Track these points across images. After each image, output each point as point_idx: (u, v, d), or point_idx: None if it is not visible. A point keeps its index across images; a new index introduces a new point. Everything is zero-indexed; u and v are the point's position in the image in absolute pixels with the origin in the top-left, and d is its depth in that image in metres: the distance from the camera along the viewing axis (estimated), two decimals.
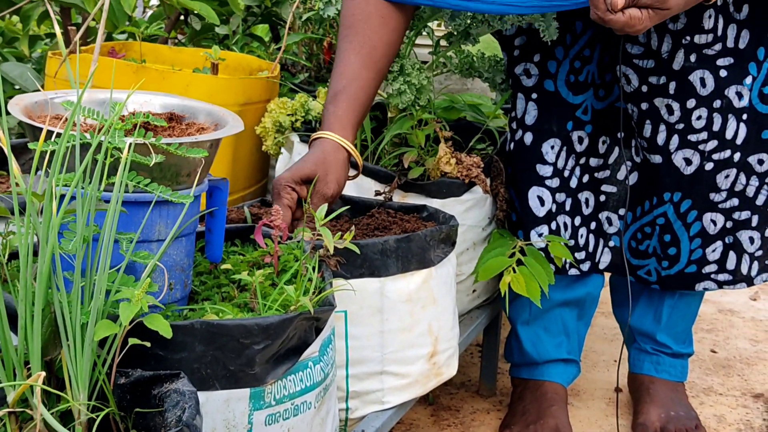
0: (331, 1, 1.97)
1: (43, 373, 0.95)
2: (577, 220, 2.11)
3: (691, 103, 1.94)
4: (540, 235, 2.07)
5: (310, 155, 1.69)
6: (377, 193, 1.91)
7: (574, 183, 2.09)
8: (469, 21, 1.95)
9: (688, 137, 1.97)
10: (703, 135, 1.96)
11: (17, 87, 2.35)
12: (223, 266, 1.41)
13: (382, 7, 1.81)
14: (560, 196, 2.08)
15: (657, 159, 2.01)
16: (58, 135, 1.13)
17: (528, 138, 2.07)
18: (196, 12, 2.54)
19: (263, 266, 1.42)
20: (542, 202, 2.07)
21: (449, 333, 1.74)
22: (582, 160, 2.10)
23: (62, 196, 1.06)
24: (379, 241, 1.58)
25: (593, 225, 2.13)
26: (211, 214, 1.41)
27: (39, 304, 1.02)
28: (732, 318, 3.13)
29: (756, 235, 2.05)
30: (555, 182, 2.08)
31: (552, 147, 2.07)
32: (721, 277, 2.08)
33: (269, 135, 2.05)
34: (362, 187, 1.94)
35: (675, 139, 1.98)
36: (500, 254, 2.02)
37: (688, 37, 1.91)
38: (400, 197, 1.93)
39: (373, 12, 1.81)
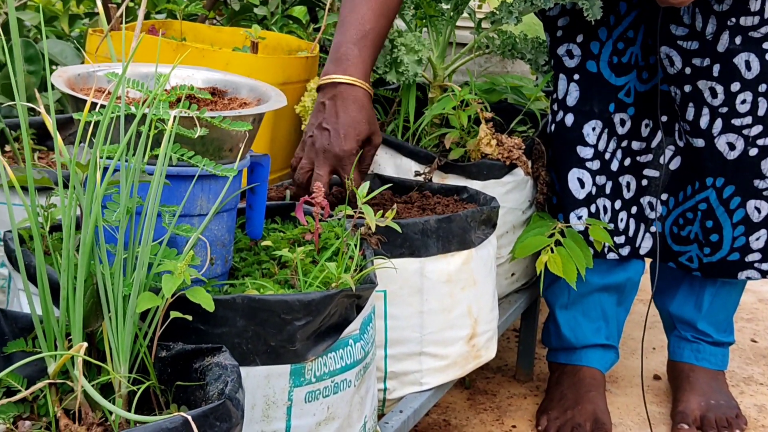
0: None
1: (85, 344, 0.94)
2: (618, 204, 2.09)
3: (735, 86, 1.91)
4: (579, 218, 2.05)
5: (359, 113, 1.69)
6: (417, 174, 1.90)
7: (615, 166, 2.07)
8: None
9: (732, 121, 1.94)
10: (748, 119, 1.93)
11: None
12: (264, 243, 1.40)
13: None
14: (600, 179, 2.06)
15: (700, 143, 1.98)
16: (102, 107, 1.12)
17: (569, 119, 2.05)
18: None
19: (304, 243, 1.41)
20: (582, 184, 2.05)
21: (489, 315, 1.73)
22: (624, 143, 2.07)
23: (106, 168, 1.06)
24: (420, 221, 1.57)
25: (634, 209, 2.10)
26: (252, 191, 1.40)
27: (81, 275, 1.01)
28: None
29: None
30: (596, 164, 2.05)
31: (593, 129, 2.04)
32: (765, 266, 2.05)
33: (308, 114, 2.04)
34: (402, 168, 1.93)
35: (718, 123, 1.95)
36: (539, 234, 2.00)
37: (733, 19, 1.88)
38: (440, 178, 1.91)
39: None
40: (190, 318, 1.08)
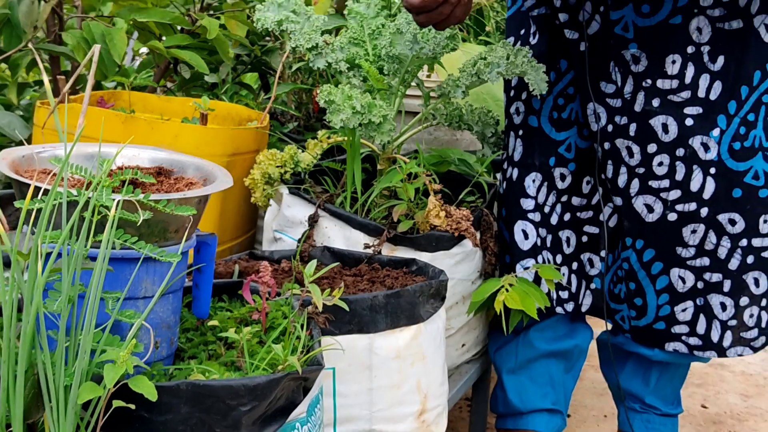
0: (321, 52, 1.96)
1: None
2: (559, 258, 2.09)
3: (652, 147, 1.91)
4: (526, 268, 2.06)
5: None
6: (366, 246, 1.90)
7: (554, 220, 2.08)
8: (440, 49, 1.94)
9: (649, 183, 1.93)
10: (665, 183, 1.92)
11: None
12: (210, 323, 1.39)
13: None
14: (542, 231, 2.07)
15: (618, 201, 1.99)
16: (45, 192, 1.12)
17: (515, 173, 2.09)
18: (185, 61, 2.54)
19: (251, 323, 1.40)
20: (526, 235, 2.07)
21: (438, 390, 1.72)
22: (564, 198, 2.08)
23: (48, 254, 1.05)
24: (368, 297, 1.56)
25: (575, 265, 2.11)
26: (198, 270, 1.39)
27: (22, 365, 1.00)
28: (722, 372, 3.12)
29: (729, 302, 1.96)
30: (537, 216, 2.07)
31: (533, 180, 2.07)
32: (692, 340, 2.00)
33: (258, 187, 2.04)
34: (351, 240, 1.93)
35: (635, 183, 1.95)
36: (492, 282, 2.00)
37: (649, 81, 1.89)
38: (389, 250, 1.92)
39: None
40: (133, 407, 1.06)
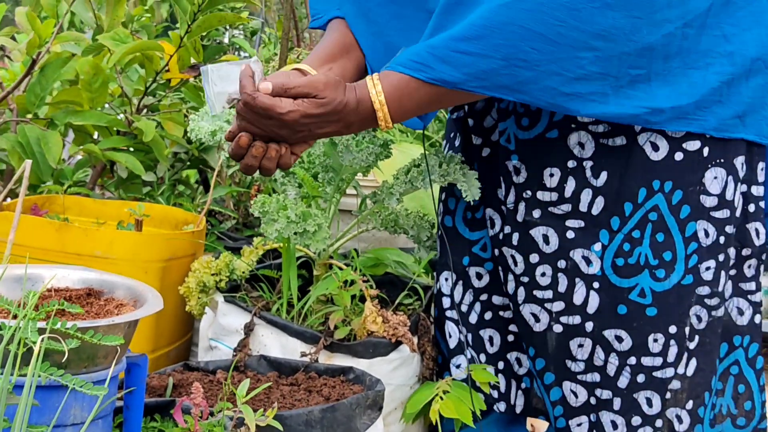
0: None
1: None
2: (483, 357, 2.06)
3: (534, 257, 1.89)
4: (458, 366, 2.04)
5: None
6: (303, 354, 1.89)
7: (473, 319, 2.06)
8: (372, 158, 1.96)
9: (534, 292, 1.90)
10: (549, 293, 1.88)
11: None
12: None
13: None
14: (463, 329, 2.06)
15: (511, 307, 1.98)
16: None
17: (436, 274, 2.10)
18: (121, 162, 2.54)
19: None
20: (450, 334, 2.06)
21: None
22: (483, 297, 2.06)
23: None
24: (304, 412, 1.55)
25: (501, 365, 2.07)
26: (129, 392, 1.38)
27: None
28: None
29: (620, 420, 1.89)
30: (454, 314, 2.05)
31: (446, 279, 2.07)
32: None
33: (193, 295, 2.03)
34: (288, 348, 1.92)
35: (521, 291, 1.92)
36: (426, 389, 1.99)
37: (529, 192, 1.87)
38: (326, 358, 1.91)
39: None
40: None
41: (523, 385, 2.06)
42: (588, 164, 1.83)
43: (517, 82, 1.61)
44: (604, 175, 1.82)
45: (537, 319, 1.90)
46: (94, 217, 2.43)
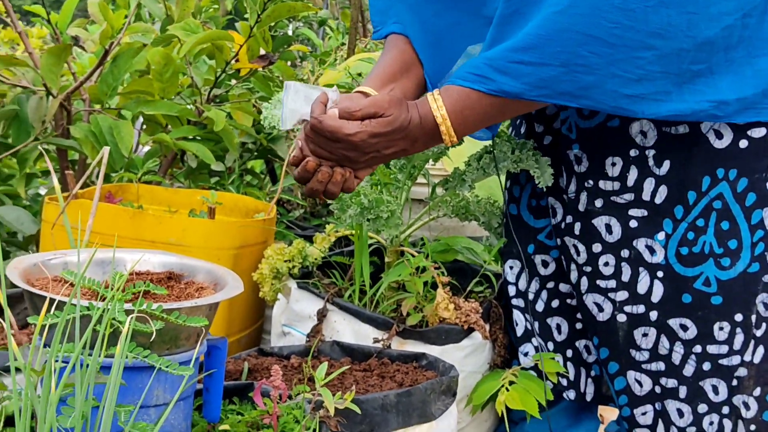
0: None
1: None
2: (551, 346, 2.05)
3: (596, 247, 1.88)
4: (526, 354, 2.04)
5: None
6: (375, 341, 1.89)
7: (540, 306, 2.05)
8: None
9: (597, 282, 1.90)
10: (612, 283, 1.88)
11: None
12: (221, 427, 1.39)
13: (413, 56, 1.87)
14: (529, 317, 2.05)
15: (575, 295, 1.98)
16: (58, 304, 1.12)
17: (502, 261, 2.10)
18: (192, 152, 2.56)
19: (262, 427, 1.39)
20: (517, 322, 2.05)
21: None
22: (550, 285, 2.05)
23: (61, 369, 1.05)
24: (380, 396, 1.56)
25: (569, 353, 2.06)
26: (209, 374, 1.39)
27: None
28: None
29: (686, 408, 1.89)
30: (520, 302, 2.05)
31: (511, 267, 2.07)
32: None
33: (266, 282, 2.04)
34: (360, 334, 1.92)
35: (584, 281, 1.91)
36: (492, 380, 1.99)
37: (591, 181, 1.86)
38: (398, 344, 1.91)
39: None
40: None
41: (592, 373, 2.05)
42: (650, 153, 1.81)
43: (578, 88, 1.59)
44: (667, 164, 1.80)
45: (600, 309, 1.89)
46: (166, 205, 2.46)
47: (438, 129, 1.62)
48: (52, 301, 1.13)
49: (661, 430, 1.90)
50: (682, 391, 1.88)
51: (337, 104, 1.57)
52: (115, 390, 1.06)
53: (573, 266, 1.93)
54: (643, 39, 1.57)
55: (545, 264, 2.05)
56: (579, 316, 2.03)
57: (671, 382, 1.88)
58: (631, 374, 1.90)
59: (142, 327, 1.14)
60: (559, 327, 2.05)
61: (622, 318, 1.87)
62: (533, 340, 2.04)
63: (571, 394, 2.06)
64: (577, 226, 1.89)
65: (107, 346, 1.12)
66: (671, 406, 1.88)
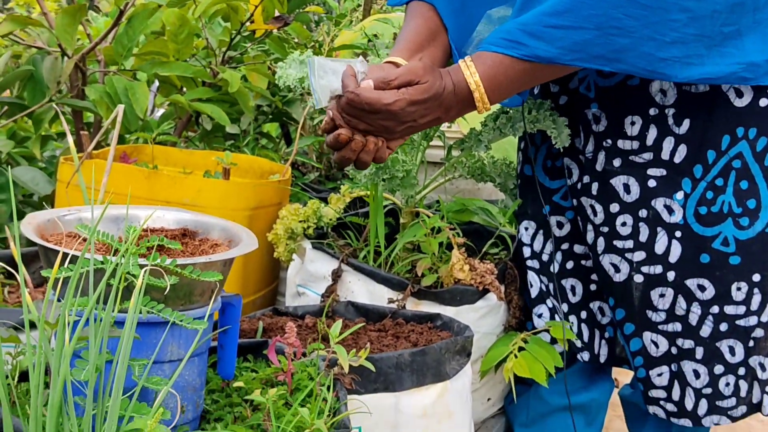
0: None
1: None
2: (565, 307, 2.05)
3: (614, 207, 1.87)
4: (540, 316, 2.04)
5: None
6: (390, 301, 1.89)
7: (555, 268, 2.05)
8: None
9: (614, 242, 1.89)
10: (629, 243, 1.87)
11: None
12: (236, 384, 1.38)
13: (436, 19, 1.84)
14: (544, 279, 2.05)
15: (591, 257, 1.97)
16: (72, 258, 1.12)
17: (517, 222, 2.10)
18: (207, 113, 2.55)
19: (276, 384, 1.39)
20: (531, 283, 2.05)
21: None
22: (564, 246, 2.05)
23: (75, 322, 1.05)
24: (394, 355, 1.55)
25: (584, 314, 2.06)
26: (223, 331, 1.39)
27: None
28: (750, 421, 3.07)
29: (702, 369, 1.89)
30: (535, 264, 2.05)
31: (526, 228, 2.07)
32: (669, 406, 1.94)
33: (281, 242, 2.04)
34: (375, 295, 1.92)
35: (601, 241, 1.91)
36: (503, 345, 1.99)
37: (609, 141, 1.86)
38: (413, 305, 1.91)
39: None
40: None
41: (606, 335, 2.05)
42: (670, 112, 1.80)
43: (612, 51, 1.57)
44: (686, 123, 1.79)
45: (617, 270, 1.89)
46: (181, 166, 2.46)
47: (471, 96, 1.60)
48: (65, 255, 1.13)
49: (677, 391, 1.90)
50: (699, 352, 1.87)
51: (366, 75, 1.55)
52: (129, 343, 1.06)
53: (590, 227, 1.92)
54: (678, 1, 1.55)
55: (560, 225, 2.04)
56: (593, 277, 2.02)
57: (688, 343, 1.87)
58: (647, 335, 1.89)
59: (156, 281, 1.14)
60: (573, 288, 2.05)
61: (639, 278, 1.87)
62: (548, 301, 2.04)
63: (585, 356, 2.06)
64: (595, 186, 1.88)
65: (121, 300, 1.12)
66: (687, 367, 1.88)
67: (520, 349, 1.96)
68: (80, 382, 1.07)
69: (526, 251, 2.06)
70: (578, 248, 2.03)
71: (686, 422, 1.93)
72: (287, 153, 2.89)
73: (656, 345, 1.89)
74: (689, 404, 1.90)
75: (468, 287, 1.93)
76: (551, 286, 2.05)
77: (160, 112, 3.24)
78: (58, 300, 1.14)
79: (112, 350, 1.10)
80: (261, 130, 3.16)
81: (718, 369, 1.87)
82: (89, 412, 1.03)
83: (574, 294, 2.05)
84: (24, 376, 1.27)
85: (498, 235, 2.17)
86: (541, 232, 2.05)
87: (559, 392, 2.09)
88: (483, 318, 1.97)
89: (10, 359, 1.24)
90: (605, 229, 1.89)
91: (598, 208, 1.89)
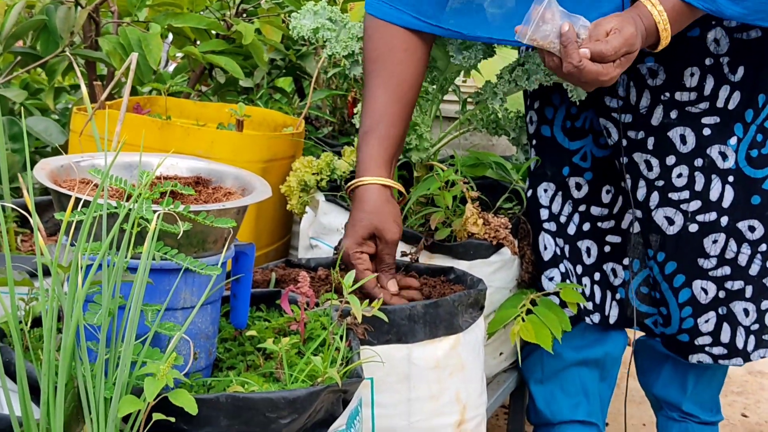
0: (358, 60, 1.95)
1: None
2: (579, 269, 2.06)
3: (670, 159, 1.89)
4: (551, 279, 2.04)
5: (361, 211, 1.68)
6: (403, 254, 1.88)
7: (572, 230, 2.05)
8: (480, 55, 1.92)
9: (669, 195, 1.92)
10: (685, 194, 1.91)
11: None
12: (249, 333, 1.38)
13: (405, 38, 1.77)
14: (560, 241, 2.05)
15: (639, 214, 1.97)
16: (86, 203, 1.11)
17: (529, 183, 2.10)
18: (220, 66, 2.53)
19: (289, 333, 1.39)
20: (545, 246, 2.05)
21: (477, 400, 1.71)
22: (582, 208, 2.05)
23: (88, 267, 1.04)
24: (407, 307, 1.55)
25: (597, 276, 2.07)
26: (236, 280, 1.39)
27: (62, 377, 1.00)
28: (762, 380, 3.07)
29: (751, 307, 1.95)
30: (552, 226, 2.05)
31: (545, 191, 2.06)
32: (716, 350, 1.98)
33: (294, 194, 2.03)
34: None
35: (655, 196, 1.93)
36: (511, 307, 1.99)
37: (667, 94, 1.87)
38: (426, 258, 1.90)
39: (397, 45, 1.77)
40: (173, 420, 1.05)
41: (617, 296, 2.06)
42: (725, 60, 1.84)
43: None
44: (741, 70, 1.84)
45: (671, 222, 1.92)
46: (194, 118, 2.44)
47: (653, 40, 1.63)
48: (78, 200, 1.13)
49: (727, 334, 1.95)
50: (748, 291, 1.93)
51: (583, 41, 1.55)
52: (143, 288, 1.05)
53: (641, 183, 1.93)
54: None
55: (578, 186, 2.04)
56: (608, 239, 2.03)
57: (737, 284, 1.93)
58: (697, 283, 1.93)
59: (169, 227, 1.13)
60: (588, 250, 2.05)
61: (693, 228, 1.91)
62: (560, 265, 2.04)
63: (595, 318, 2.06)
64: (650, 141, 1.90)
65: (134, 246, 1.11)
66: (738, 307, 1.94)
67: (528, 312, 1.95)
68: (93, 326, 1.07)
69: (544, 213, 2.05)
70: (595, 210, 2.04)
71: (737, 361, 1.98)
72: (301, 107, 2.87)
73: (705, 292, 1.94)
74: (740, 343, 1.96)
75: (481, 241, 1.93)
76: (567, 248, 2.05)
77: (172, 66, 3.22)
78: (71, 245, 1.14)
79: (125, 296, 1.10)
80: (274, 85, 3.15)
81: (765, 304, 1.95)
82: (102, 356, 1.03)
83: (589, 256, 2.05)
84: (36, 322, 1.27)
85: (512, 190, 2.15)
86: (560, 193, 2.05)
87: (574, 347, 2.10)
88: (496, 272, 1.96)
89: (22, 305, 1.24)
90: (660, 183, 1.92)
91: (654, 162, 1.90)
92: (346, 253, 1.64)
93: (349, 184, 1.73)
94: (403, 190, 1.74)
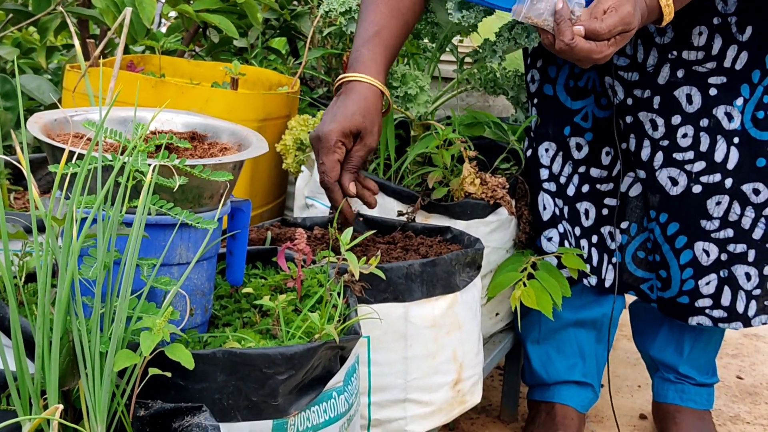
0: (354, 17, 1.93)
1: (60, 407, 0.91)
2: (578, 231, 2.05)
3: (676, 119, 1.88)
4: (549, 239, 2.03)
5: (355, 104, 1.65)
6: (400, 214, 1.87)
7: (571, 191, 2.04)
8: (481, 15, 1.89)
9: (674, 155, 1.90)
10: (690, 154, 1.89)
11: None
12: (245, 290, 1.37)
13: None
14: (559, 202, 2.04)
15: (642, 174, 1.96)
16: (79, 156, 1.09)
17: (529, 143, 2.08)
18: (214, 25, 2.51)
19: (286, 291, 1.38)
20: (545, 206, 2.04)
21: (474, 359, 1.70)
22: (581, 169, 2.04)
23: (83, 220, 1.03)
24: (404, 265, 1.54)
25: (595, 238, 2.06)
26: (232, 237, 1.37)
27: (57, 332, 0.98)
28: (757, 343, 3.08)
29: (753, 271, 1.94)
30: (552, 186, 2.04)
31: (546, 150, 2.04)
32: (716, 313, 1.98)
33: (290, 153, 2.01)
34: (384, 207, 1.90)
35: (659, 156, 1.91)
36: (512, 270, 1.98)
37: (674, 52, 1.86)
38: (423, 218, 1.89)
39: None
40: (169, 375, 1.04)
41: (614, 260, 2.05)
42: (733, 20, 1.83)
43: None
44: (749, 30, 1.83)
45: (675, 183, 1.91)
46: (188, 77, 2.42)
47: (655, 18, 1.62)
48: (72, 154, 1.11)
49: (727, 297, 1.94)
50: (751, 255, 1.93)
51: (578, 18, 1.54)
52: (138, 242, 1.04)
53: (646, 143, 1.92)
54: None
55: (579, 147, 2.02)
56: (606, 201, 2.02)
57: (740, 247, 1.92)
58: (699, 245, 1.92)
59: (165, 181, 1.11)
60: (587, 212, 2.04)
61: (697, 189, 1.90)
62: (559, 226, 2.03)
63: (592, 280, 2.06)
64: (656, 100, 1.89)
65: (129, 200, 1.10)
66: (739, 271, 1.93)
67: (530, 276, 1.94)
68: (88, 281, 1.06)
69: (544, 173, 2.04)
70: (594, 171, 2.03)
71: (736, 325, 1.97)
72: (295, 67, 2.84)
73: (707, 254, 1.93)
74: (740, 307, 1.95)
75: (479, 201, 1.91)
76: (566, 209, 2.03)
77: (166, 25, 3.19)
78: (66, 198, 1.12)
79: (120, 250, 1.09)
80: (269, 45, 3.12)
81: (767, 269, 1.93)
82: (97, 311, 1.02)
83: (587, 218, 2.04)
84: (30, 278, 1.25)
85: (509, 151, 2.14)
86: (560, 154, 2.03)
87: (571, 307, 2.09)
88: (493, 232, 1.95)
89: (16, 260, 1.22)
90: (665, 143, 1.90)
91: (659, 121, 1.89)
92: (328, 136, 1.60)
93: (344, 75, 1.70)
94: (392, 102, 1.72)
